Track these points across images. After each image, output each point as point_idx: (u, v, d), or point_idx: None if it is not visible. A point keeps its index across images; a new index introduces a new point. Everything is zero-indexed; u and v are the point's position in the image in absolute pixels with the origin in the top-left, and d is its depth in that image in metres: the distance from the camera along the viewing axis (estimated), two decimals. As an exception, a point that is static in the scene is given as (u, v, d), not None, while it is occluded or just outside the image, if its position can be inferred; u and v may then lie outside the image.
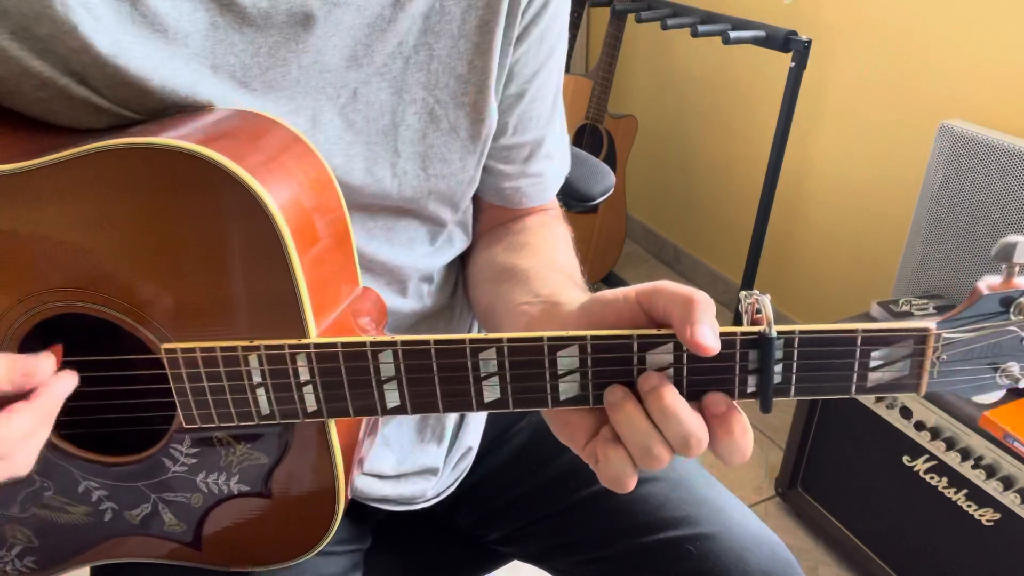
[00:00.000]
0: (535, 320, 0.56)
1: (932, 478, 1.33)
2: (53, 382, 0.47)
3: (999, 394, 0.49)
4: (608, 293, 0.49)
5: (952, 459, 1.29)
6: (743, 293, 0.47)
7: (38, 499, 0.55)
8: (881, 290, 1.86)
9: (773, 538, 0.71)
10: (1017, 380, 0.47)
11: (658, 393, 0.45)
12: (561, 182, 0.76)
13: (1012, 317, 0.46)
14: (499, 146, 0.68)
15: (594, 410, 0.48)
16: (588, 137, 2.30)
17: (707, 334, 0.43)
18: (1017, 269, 0.46)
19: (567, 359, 0.46)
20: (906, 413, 1.36)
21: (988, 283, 0.46)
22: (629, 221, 2.67)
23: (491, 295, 0.66)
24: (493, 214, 0.74)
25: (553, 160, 0.73)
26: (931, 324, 0.46)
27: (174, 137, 0.45)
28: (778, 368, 0.46)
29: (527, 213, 0.74)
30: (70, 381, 0.48)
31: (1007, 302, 0.46)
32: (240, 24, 0.50)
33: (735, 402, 0.47)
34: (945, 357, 0.46)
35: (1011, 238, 0.45)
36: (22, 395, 0.45)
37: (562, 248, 0.70)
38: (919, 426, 1.33)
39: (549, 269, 0.63)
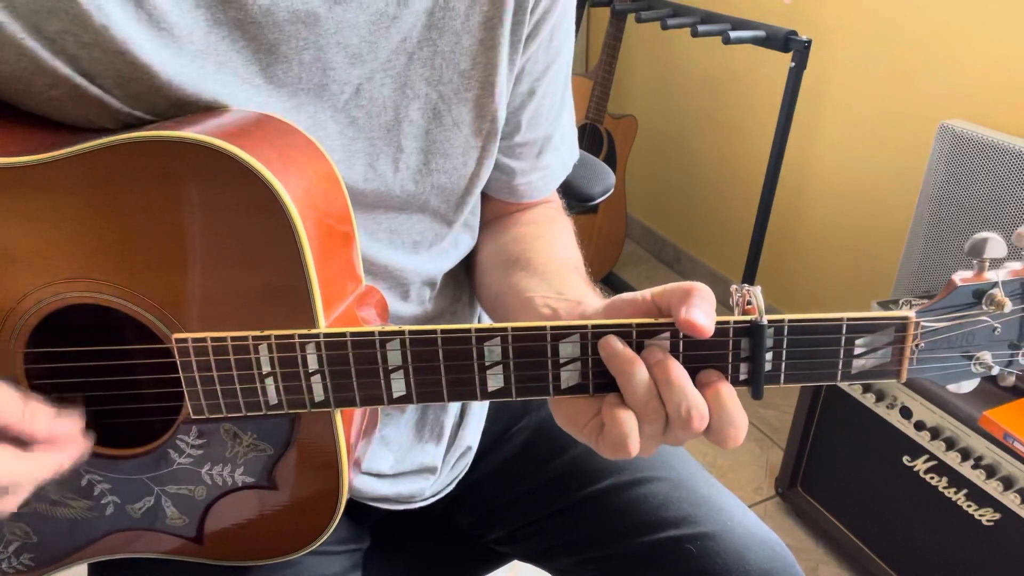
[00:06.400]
0: (560, 316, 0.57)
1: (932, 478, 1.33)
2: (76, 443, 0.49)
3: (973, 383, 0.52)
4: (629, 294, 0.51)
5: (952, 459, 1.29)
6: (734, 286, 0.49)
7: (38, 493, 0.55)
8: (881, 290, 1.86)
9: (773, 537, 0.71)
10: (989, 368, 0.50)
11: (664, 365, 0.47)
12: (568, 170, 0.77)
13: (984, 308, 0.49)
14: (513, 144, 0.69)
15: (596, 397, 0.50)
16: (588, 137, 2.30)
17: (699, 315, 0.45)
18: (988, 263, 0.49)
19: (569, 347, 0.48)
20: (906, 413, 1.36)
21: (961, 276, 0.49)
22: (629, 221, 2.67)
23: (501, 283, 0.66)
24: (499, 206, 0.74)
25: (560, 151, 0.74)
26: (911, 313, 0.48)
27: (192, 132, 0.46)
28: (769, 356, 0.48)
29: (532, 205, 0.75)
30: (88, 447, 0.50)
31: (979, 294, 0.49)
32: (241, 22, 0.51)
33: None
34: (924, 345, 0.49)
35: (981, 234, 0.48)
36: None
37: (572, 244, 0.71)
38: (919, 426, 1.33)
39: (567, 268, 0.64)
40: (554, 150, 0.73)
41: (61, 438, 0.48)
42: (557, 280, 0.62)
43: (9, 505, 0.46)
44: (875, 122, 1.83)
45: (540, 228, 0.72)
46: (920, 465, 1.35)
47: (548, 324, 0.48)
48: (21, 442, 0.46)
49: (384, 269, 0.63)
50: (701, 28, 1.80)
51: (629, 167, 2.42)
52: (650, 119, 2.50)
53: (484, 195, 0.73)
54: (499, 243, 0.71)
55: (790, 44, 1.70)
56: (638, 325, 0.48)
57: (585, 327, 0.48)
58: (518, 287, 0.63)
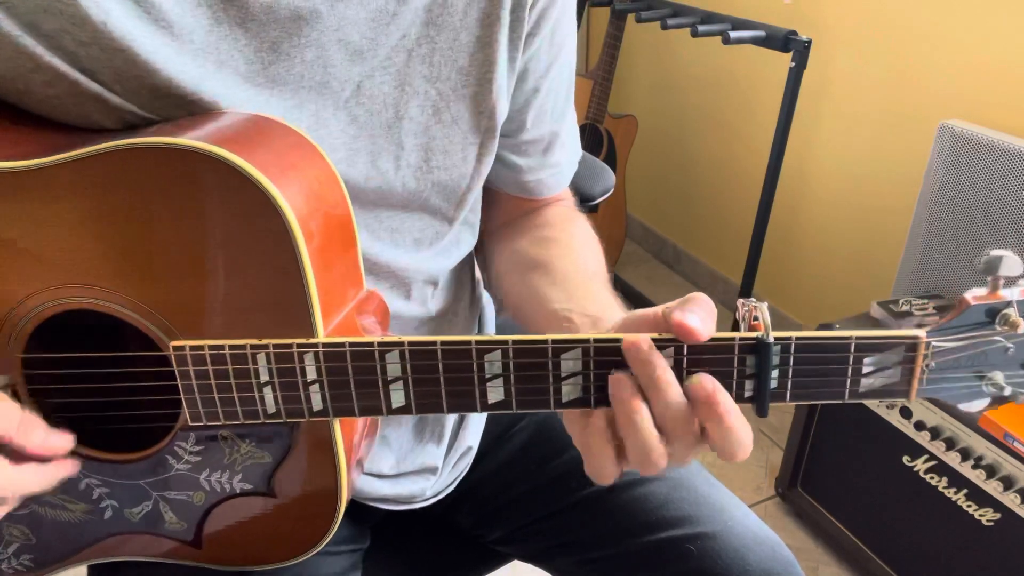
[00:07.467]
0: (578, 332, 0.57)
1: (932, 478, 1.33)
2: (66, 461, 0.51)
3: (985, 402, 0.50)
4: (642, 311, 0.51)
5: (952, 459, 1.29)
6: (741, 300, 0.48)
7: (37, 496, 0.55)
8: (881, 290, 1.86)
9: (773, 537, 0.71)
10: (1002, 389, 0.49)
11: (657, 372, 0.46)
12: (575, 168, 0.77)
13: (997, 327, 0.48)
14: (518, 142, 0.69)
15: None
16: (588, 137, 2.30)
17: (692, 319, 0.45)
18: (1002, 282, 0.47)
19: (570, 361, 0.48)
20: (906, 413, 1.36)
21: (974, 294, 0.48)
22: (629, 221, 2.67)
23: (520, 290, 0.67)
24: (512, 205, 0.75)
25: (567, 148, 0.74)
26: (921, 332, 0.47)
27: (190, 138, 0.46)
28: (775, 373, 0.47)
29: (545, 203, 0.75)
30: (75, 467, 0.52)
31: (992, 313, 0.48)
32: (243, 20, 0.50)
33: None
34: (934, 364, 0.48)
35: (995, 252, 0.47)
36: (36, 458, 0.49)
37: (590, 244, 0.71)
38: (919, 426, 1.33)
39: (586, 276, 0.64)
40: (562, 147, 0.73)
41: (52, 454, 0.49)
42: (578, 292, 0.62)
43: None
44: (875, 122, 1.82)
45: (556, 230, 0.72)
46: (920, 465, 1.35)
47: (549, 337, 0.47)
48: (11, 454, 0.47)
49: (386, 268, 0.63)
50: (701, 28, 1.79)
51: (629, 167, 2.42)
52: (650, 119, 2.50)
53: (497, 196, 0.74)
54: (515, 247, 0.71)
55: (790, 44, 1.69)
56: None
57: (587, 341, 0.47)
58: (539, 296, 0.63)
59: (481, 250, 0.78)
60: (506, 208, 0.75)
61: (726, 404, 0.46)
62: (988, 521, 1.26)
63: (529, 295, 0.65)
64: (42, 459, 0.49)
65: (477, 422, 0.79)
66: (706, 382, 0.46)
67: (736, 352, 0.47)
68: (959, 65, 1.61)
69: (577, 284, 0.63)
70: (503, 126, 0.69)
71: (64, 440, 0.50)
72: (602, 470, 0.49)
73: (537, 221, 0.73)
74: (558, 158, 0.73)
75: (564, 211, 0.76)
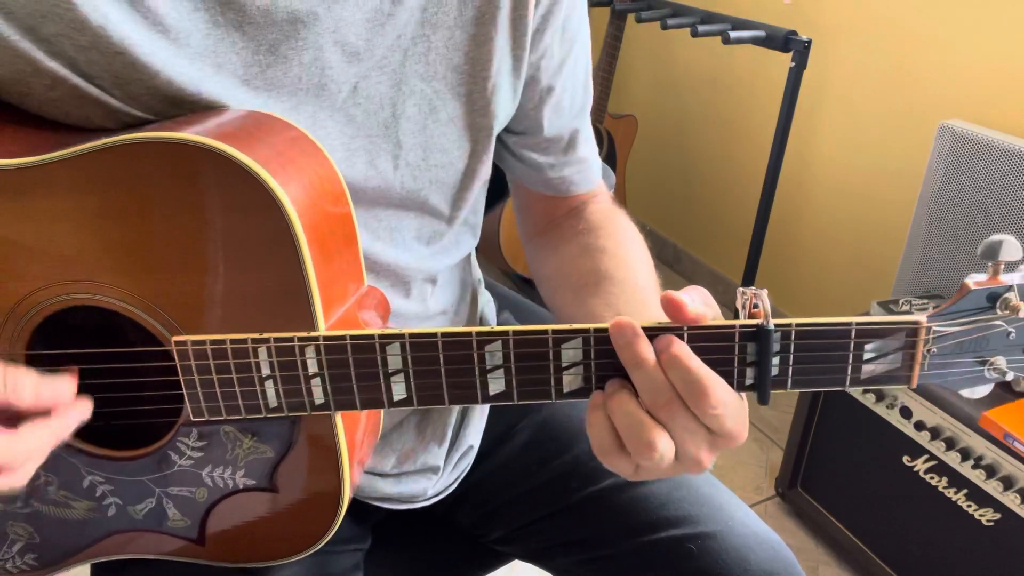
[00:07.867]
0: None
1: (932, 478, 1.33)
2: (70, 407, 0.48)
3: (987, 388, 0.50)
4: None
5: (952, 459, 1.29)
6: (740, 289, 0.48)
7: (41, 494, 0.55)
8: (881, 290, 1.86)
9: (774, 537, 0.71)
10: (1004, 374, 0.49)
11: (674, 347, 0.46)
12: (600, 163, 0.77)
13: (998, 312, 0.48)
14: (539, 140, 0.70)
15: None
16: (588, 137, 2.30)
17: (682, 295, 0.46)
18: (1002, 266, 0.47)
19: (571, 351, 0.48)
20: (906, 413, 1.36)
21: (975, 279, 0.48)
22: (629, 221, 2.67)
23: (575, 309, 0.66)
24: (546, 205, 0.75)
25: (591, 143, 0.74)
26: (922, 317, 0.47)
27: (191, 133, 0.46)
28: (775, 360, 0.47)
29: (580, 201, 0.75)
30: (85, 408, 0.49)
31: (993, 298, 0.47)
32: (240, 23, 0.50)
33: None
34: (935, 350, 0.48)
35: (996, 237, 0.47)
36: (38, 412, 0.46)
37: (637, 248, 0.71)
38: (919, 426, 1.33)
39: (640, 293, 0.64)
40: (586, 142, 0.73)
41: (52, 404, 0.46)
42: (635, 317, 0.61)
43: (11, 483, 0.45)
44: (875, 122, 1.83)
45: (602, 236, 0.71)
46: (920, 465, 1.35)
47: (550, 328, 0.47)
48: (11, 417, 0.45)
49: (386, 267, 0.63)
50: (701, 28, 1.80)
51: (629, 167, 2.42)
52: (650, 119, 2.50)
53: (529, 196, 0.74)
54: (563, 258, 0.71)
55: (790, 44, 1.70)
56: (644, 328, 0.47)
57: (587, 331, 0.47)
58: (595, 316, 0.62)
59: (532, 258, 0.78)
60: (540, 209, 0.75)
61: (684, 351, 0.46)
62: (988, 521, 1.26)
63: (584, 318, 0.64)
64: (43, 412, 0.46)
65: (478, 421, 0.79)
66: (663, 336, 0.47)
67: (737, 339, 0.47)
68: (959, 65, 1.61)
69: (633, 309, 0.62)
70: (520, 125, 0.69)
71: (59, 385, 0.46)
72: (604, 450, 0.49)
73: (580, 225, 0.73)
74: (582, 154, 0.73)
75: (604, 210, 0.75)
